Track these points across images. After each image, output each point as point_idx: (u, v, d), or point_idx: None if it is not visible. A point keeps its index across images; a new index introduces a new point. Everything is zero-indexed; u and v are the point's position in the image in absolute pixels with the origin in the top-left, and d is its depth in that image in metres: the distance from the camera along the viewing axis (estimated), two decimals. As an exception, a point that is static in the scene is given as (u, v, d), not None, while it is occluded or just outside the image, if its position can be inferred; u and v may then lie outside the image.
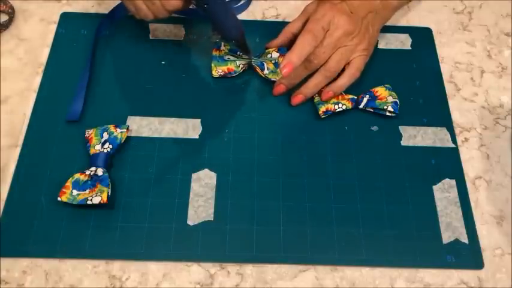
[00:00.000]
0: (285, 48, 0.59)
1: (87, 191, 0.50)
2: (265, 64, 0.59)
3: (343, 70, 0.57)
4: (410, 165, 0.55)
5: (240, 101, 0.59)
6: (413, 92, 0.60)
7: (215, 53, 0.59)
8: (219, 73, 0.59)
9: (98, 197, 0.49)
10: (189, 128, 0.56)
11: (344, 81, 0.57)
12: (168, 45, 0.62)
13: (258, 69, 0.59)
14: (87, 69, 0.59)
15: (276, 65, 0.59)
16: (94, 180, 0.51)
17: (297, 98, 0.58)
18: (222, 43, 0.60)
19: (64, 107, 0.57)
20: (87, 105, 0.57)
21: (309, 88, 0.57)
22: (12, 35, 0.62)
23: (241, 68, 0.59)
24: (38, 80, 0.59)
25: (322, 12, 0.55)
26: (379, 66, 0.62)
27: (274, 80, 0.58)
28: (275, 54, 0.59)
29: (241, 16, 0.66)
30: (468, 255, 0.50)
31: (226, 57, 0.59)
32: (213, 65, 0.59)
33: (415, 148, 0.56)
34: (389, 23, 0.65)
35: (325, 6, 0.55)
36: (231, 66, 0.59)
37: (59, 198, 0.50)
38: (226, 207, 0.52)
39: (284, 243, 0.50)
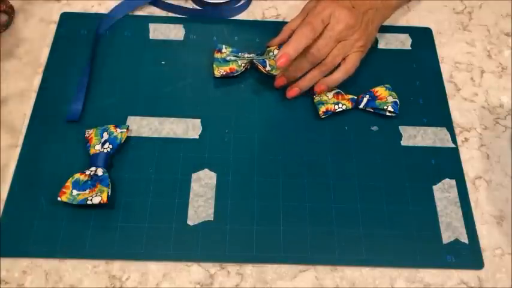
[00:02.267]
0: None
1: (87, 191, 0.50)
2: (267, 61, 0.58)
3: (338, 65, 0.57)
4: (410, 165, 0.55)
5: (240, 101, 0.59)
6: (413, 92, 0.60)
7: (217, 55, 0.59)
8: (221, 73, 0.59)
9: (98, 197, 0.49)
10: (189, 128, 0.56)
11: (339, 75, 0.57)
12: (168, 45, 0.62)
13: (260, 67, 0.58)
14: (87, 69, 0.59)
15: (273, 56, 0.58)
16: (94, 180, 0.51)
17: (293, 91, 0.58)
18: (224, 46, 0.60)
19: (64, 107, 0.57)
20: (87, 105, 0.57)
21: (305, 81, 0.57)
22: (12, 35, 0.62)
23: (243, 67, 0.59)
24: (38, 80, 0.59)
25: (323, 6, 0.55)
26: (379, 66, 0.62)
27: (276, 74, 0.58)
28: (276, 52, 0.59)
29: (241, 16, 0.66)
30: (468, 255, 0.50)
31: (228, 58, 0.59)
32: (214, 65, 0.59)
33: (415, 148, 0.56)
34: (389, 23, 0.65)
35: (326, 1, 0.55)
36: (233, 66, 0.59)
37: (59, 198, 0.50)
38: (226, 207, 0.52)
39: (284, 243, 0.50)
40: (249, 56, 0.59)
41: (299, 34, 0.53)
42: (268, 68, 0.58)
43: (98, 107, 0.57)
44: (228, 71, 0.59)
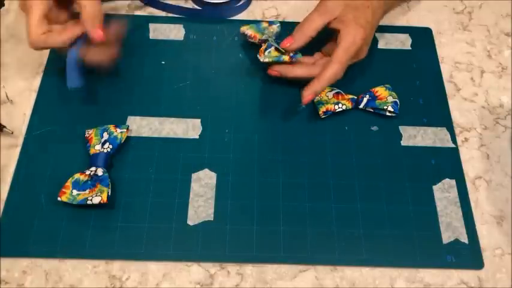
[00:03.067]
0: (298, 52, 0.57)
1: (87, 191, 0.50)
2: (272, 48, 0.56)
3: None
4: (410, 165, 0.55)
5: (240, 101, 0.59)
6: (413, 92, 0.60)
7: (264, 24, 0.60)
8: (245, 32, 0.59)
9: (98, 197, 0.49)
10: (189, 128, 0.56)
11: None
12: (168, 45, 0.62)
13: (262, 49, 0.57)
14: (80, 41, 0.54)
15: (278, 58, 0.56)
16: (94, 180, 0.51)
17: (273, 72, 0.57)
18: (279, 23, 0.60)
19: (64, 107, 0.57)
20: (86, 105, 0.57)
21: (290, 73, 0.57)
22: (12, 35, 0.62)
23: (259, 41, 0.59)
24: (38, 80, 0.59)
25: (358, 41, 0.54)
26: (379, 66, 0.62)
27: (266, 62, 0.56)
28: (286, 58, 0.56)
29: (241, 16, 0.66)
30: (468, 255, 0.50)
31: (263, 29, 0.59)
32: (253, 29, 0.60)
33: (415, 148, 0.56)
34: (389, 23, 0.65)
35: (360, 32, 0.54)
36: (258, 34, 0.59)
37: (59, 198, 0.50)
38: (226, 207, 0.52)
39: (284, 243, 0.50)
40: (269, 35, 0.58)
41: (331, 75, 0.53)
42: (265, 53, 0.56)
43: (98, 107, 0.57)
44: (251, 35, 0.59)
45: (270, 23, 0.60)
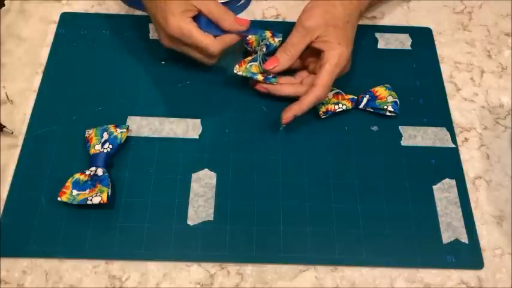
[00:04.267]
0: (275, 76, 0.57)
1: (87, 191, 0.50)
2: (255, 63, 0.56)
3: None
4: (410, 165, 0.55)
5: (240, 101, 0.59)
6: (413, 92, 0.60)
7: (268, 34, 0.59)
8: (248, 38, 0.59)
9: (98, 197, 0.49)
10: (189, 128, 0.56)
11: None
12: (168, 45, 0.62)
13: (246, 60, 0.57)
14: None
15: (253, 75, 0.56)
16: (94, 180, 0.51)
17: (261, 89, 0.57)
18: (280, 36, 0.59)
19: (64, 107, 0.57)
20: (86, 105, 0.57)
21: (278, 92, 0.57)
22: (12, 35, 0.62)
23: (251, 49, 0.59)
24: (38, 80, 0.59)
25: (342, 62, 0.54)
26: (379, 66, 0.62)
27: (240, 76, 0.56)
28: (260, 78, 0.56)
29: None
30: (468, 255, 0.50)
31: (262, 37, 0.58)
32: (255, 38, 0.59)
33: (415, 148, 0.56)
34: (389, 23, 0.65)
35: (344, 52, 0.54)
36: (254, 42, 0.58)
37: (59, 198, 0.50)
38: (226, 207, 0.52)
39: (284, 243, 0.50)
40: (262, 48, 0.57)
41: (313, 98, 0.53)
42: (247, 66, 0.56)
43: (98, 107, 0.57)
44: (249, 40, 0.59)
45: (275, 35, 0.59)
